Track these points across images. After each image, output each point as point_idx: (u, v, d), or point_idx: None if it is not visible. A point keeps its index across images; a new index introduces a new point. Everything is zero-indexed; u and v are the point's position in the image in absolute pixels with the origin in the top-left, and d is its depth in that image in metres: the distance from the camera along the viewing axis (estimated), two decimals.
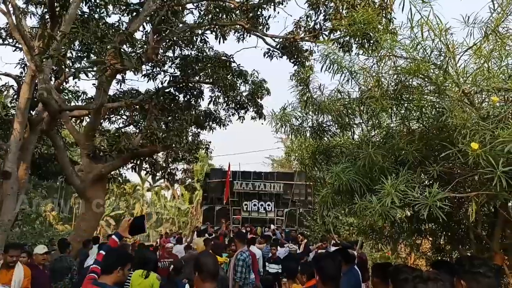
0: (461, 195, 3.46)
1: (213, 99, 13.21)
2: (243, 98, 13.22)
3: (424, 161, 3.61)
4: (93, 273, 2.85)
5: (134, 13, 10.63)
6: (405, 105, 3.95)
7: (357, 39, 4.55)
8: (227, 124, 13.91)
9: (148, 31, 11.13)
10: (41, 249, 5.64)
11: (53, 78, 10.74)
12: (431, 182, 3.74)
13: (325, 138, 4.99)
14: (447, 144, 3.22)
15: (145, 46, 10.62)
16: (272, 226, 14.52)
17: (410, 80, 3.82)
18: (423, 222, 5.53)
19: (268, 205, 16.38)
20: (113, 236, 3.01)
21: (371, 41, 4.38)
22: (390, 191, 2.94)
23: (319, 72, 4.37)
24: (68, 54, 11.46)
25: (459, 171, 3.74)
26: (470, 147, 2.73)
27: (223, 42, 11.78)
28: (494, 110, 3.25)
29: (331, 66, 4.13)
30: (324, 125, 4.74)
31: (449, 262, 4.00)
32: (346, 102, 4.39)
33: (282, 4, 11.09)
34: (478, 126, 2.95)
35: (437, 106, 3.71)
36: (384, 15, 8.58)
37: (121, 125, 14.17)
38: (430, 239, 6.05)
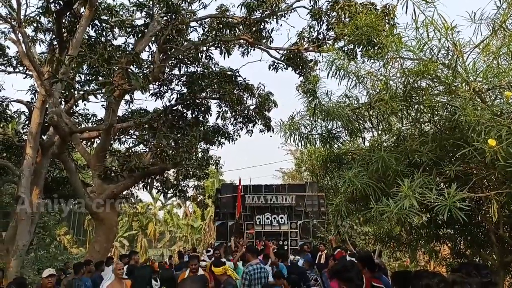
0: (480, 195, 3.36)
1: (220, 114, 13.22)
2: (251, 111, 13.22)
3: (439, 162, 3.52)
4: None
5: (140, 34, 10.84)
6: (416, 106, 3.89)
7: (361, 46, 4.51)
8: (236, 139, 13.87)
9: (154, 51, 11.32)
10: (46, 273, 5.61)
11: (63, 102, 10.92)
12: (448, 183, 3.65)
13: (336, 145, 4.92)
14: (462, 143, 3.14)
15: (152, 65, 10.78)
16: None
17: (419, 81, 3.77)
18: (441, 227, 5.39)
19: (281, 218, 16.14)
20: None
21: (376, 47, 4.34)
22: (408, 193, 2.85)
23: (325, 79, 4.32)
24: (77, 78, 11.70)
25: (475, 171, 3.65)
26: (487, 144, 2.65)
27: (228, 57, 11.92)
28: (508, 106, 3.17)
29: (337, 72, 4.11)
30: (334, 132, 4.67)
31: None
32: (355, 107, 4.34)
33: (285, 16, 11.20)
34: (493, 122, 2.87)
35: (448, 106, 3.65)
36: (387, 21, 8.59)
37: (131, 144, 14.27)
38: (449, 244, 5.88)
